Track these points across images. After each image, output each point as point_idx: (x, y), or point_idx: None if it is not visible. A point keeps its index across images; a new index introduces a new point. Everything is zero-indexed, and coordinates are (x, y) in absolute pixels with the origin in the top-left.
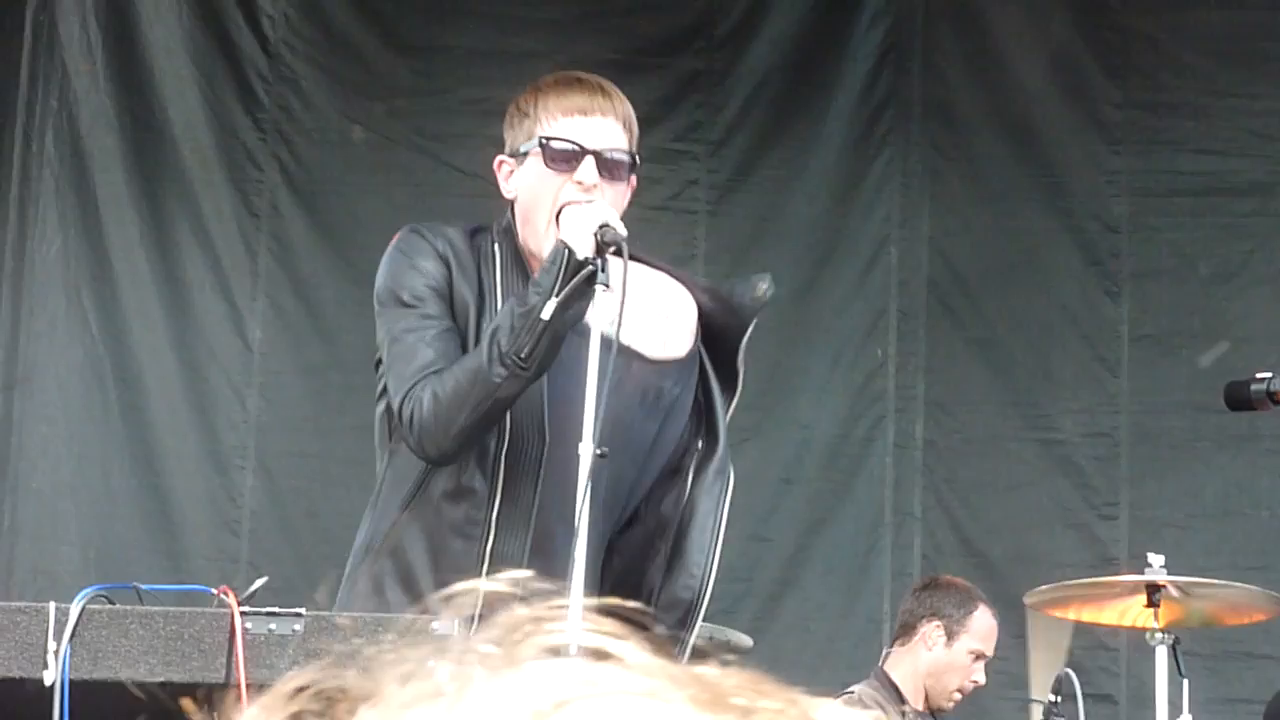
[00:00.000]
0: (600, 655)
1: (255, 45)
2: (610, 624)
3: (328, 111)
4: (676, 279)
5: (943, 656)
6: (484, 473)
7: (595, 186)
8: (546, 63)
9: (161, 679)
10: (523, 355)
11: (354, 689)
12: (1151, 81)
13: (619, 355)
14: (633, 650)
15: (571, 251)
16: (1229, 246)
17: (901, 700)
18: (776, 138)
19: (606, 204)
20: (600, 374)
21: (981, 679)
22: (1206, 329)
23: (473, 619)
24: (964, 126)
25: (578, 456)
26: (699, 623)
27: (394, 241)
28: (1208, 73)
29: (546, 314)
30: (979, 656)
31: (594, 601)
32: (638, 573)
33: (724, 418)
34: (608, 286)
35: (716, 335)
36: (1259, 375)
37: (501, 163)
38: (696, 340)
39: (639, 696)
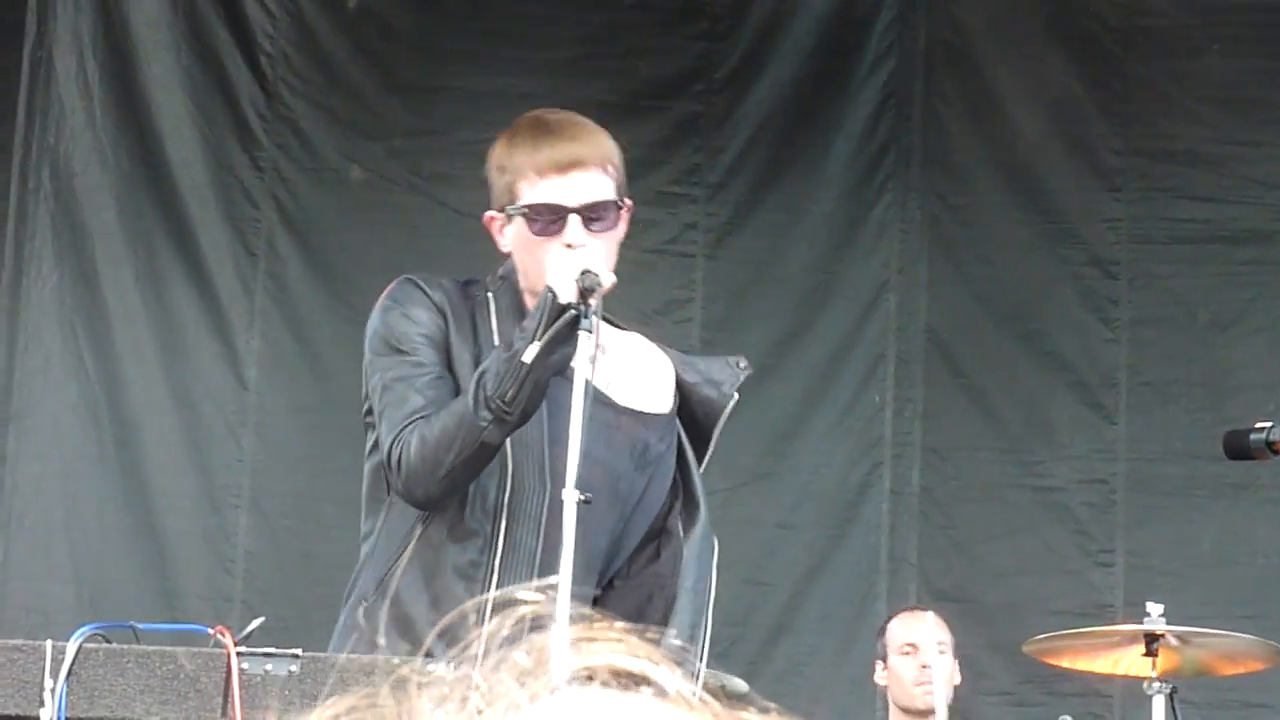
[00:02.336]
0: (639, 682)
1: (253, 83)
2: (652, 651)
3: (325, 151)
4: (651, 341)
5: (890, 679)
6: (487, 515)
7: (584, 246)
8: (543, 104)
9: (158, 718)
10: (506, 399)
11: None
12: (1153, 129)
13: (609, 408)
14: (674, 681)
15: (555, 297)
16: (1229, 294)
17: None
18: (775, 182)
19: (595, 251)
20: (581, 416)
21: (932, 661)
22: (1205, 377)
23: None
24: (964, 172)
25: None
26: (701, 667)
27: (387, 291)
28: (1209, 120)
29: (528, 358)
30: (909, 650)
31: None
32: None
33: (700, 484)
34: (591, 332)
35: (691, 405)
36: (1259, 425)
37: (492, 219)
38: (675, 402)
39: None
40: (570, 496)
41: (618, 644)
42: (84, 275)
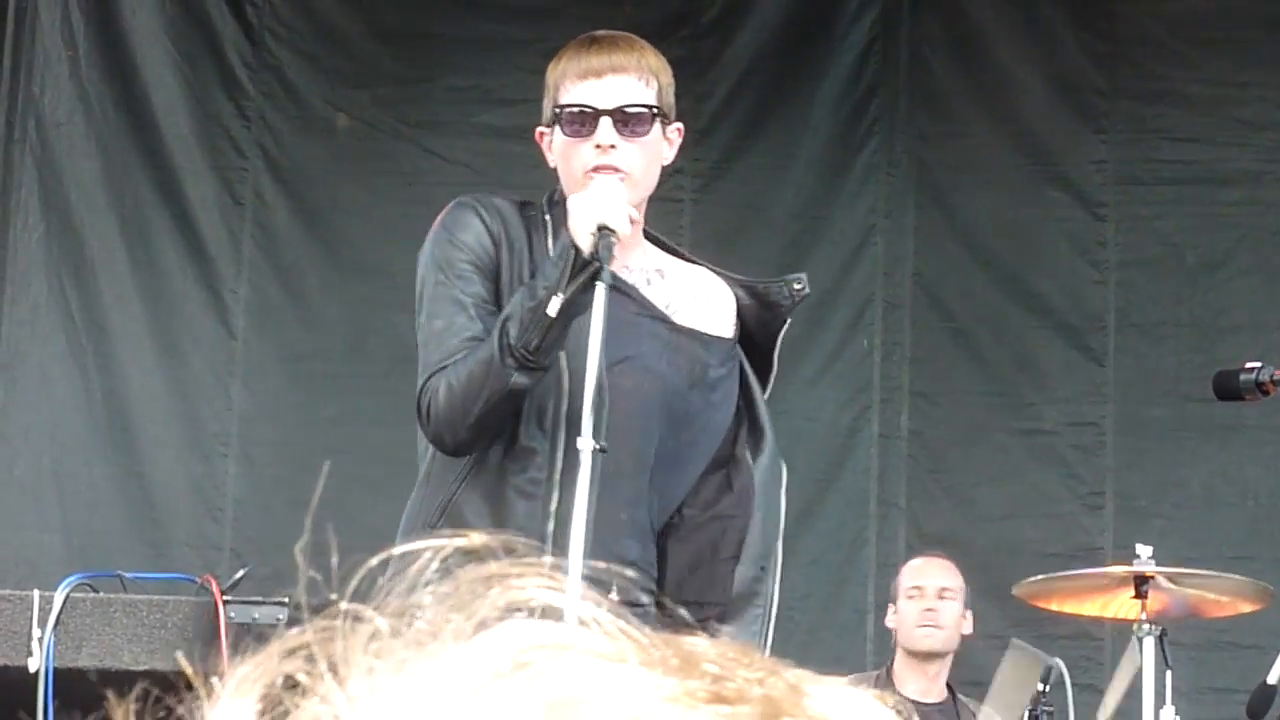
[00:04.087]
0: (567, 618)
1: (239, 32)
2: (583, 587)
3: (312, 99)
4: (715, 272)
5: (898, 621)
6: (544, 432)
7: (613, 147)
8: (530, 50)
9: (145, 667)
10: (531, 349)
11: (331, 654)
12: (1139, 70)
13: (667, 325)
14: (601, 614)
15: (578, 250)
16: (1216, 236)
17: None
18: (762, 126)
19: (615, 186)
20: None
21: (936, 605)
22: (1194, 318)
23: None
24: (950, 116)
25: (636, 410)
26: (773, 612)
27: (443, 214)
28: (1196, 61)
29: (553, 311)
30: (915, 593)
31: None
32: (707, 565)
33: (766, 411)
34: (607, 284)
35: (752, 331)
36: (1248, 365)
37: (541, 134)
38: (736, 331)
39: (602, 658)
40: (586, 445)
41: (540, 578)
42: (71, 226)
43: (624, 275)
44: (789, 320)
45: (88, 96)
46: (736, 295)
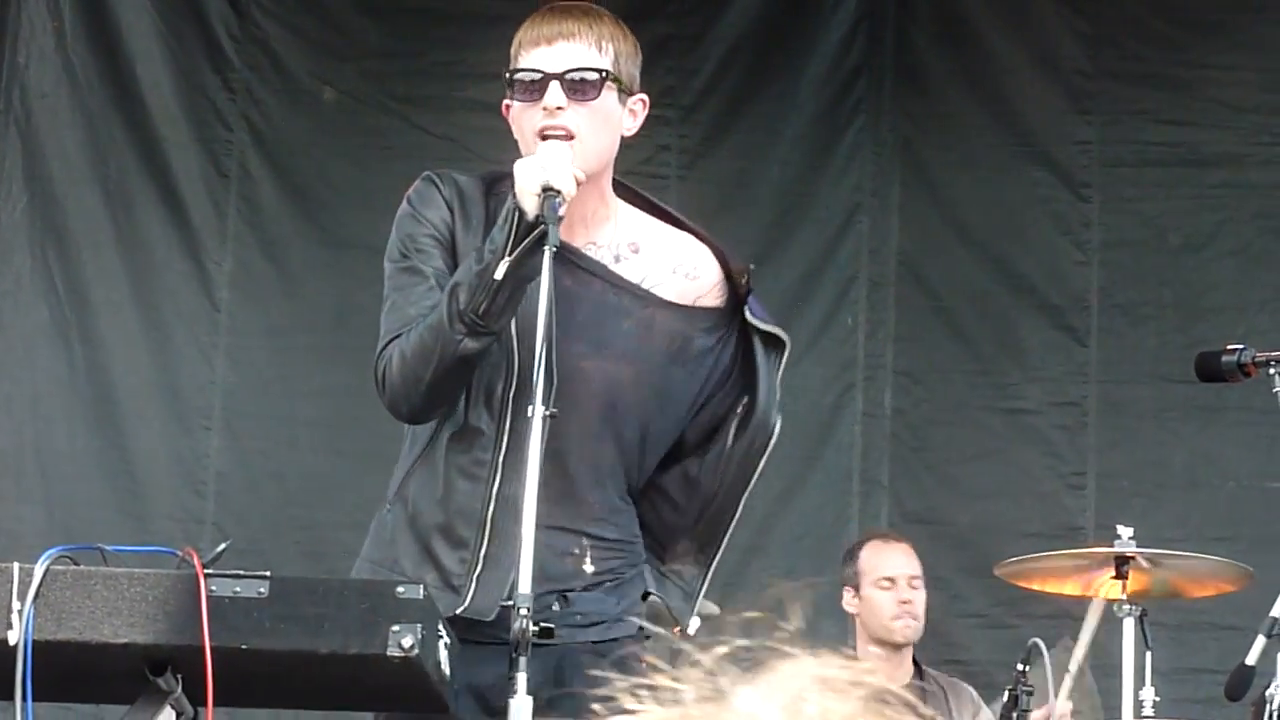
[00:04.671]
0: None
1: (225, 4)
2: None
3: (297, 72)
4: (702, 240)
5: (863, 609)
6: (491, 414)
7: (560, 109)
8: (517, 25)
9: (125, 640)
10: (479, 313)
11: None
12: (1124, 51)
13: (642, 299)
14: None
15: (523, 212)
16: (1199, 217)
17: None
18: (748, 104)
19: (560, 148)
20: (545, 330)
21: (910, 596)
22: (1176, 299)
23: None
24: (936, 95)
25: (586, 395)
26: (715, 563)
27: (410, 190)
28: (1181, 43)
29: (499, 274)
30: (887, 584)
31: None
32: (673, 536)
33: (770, 376)
34: (553, 247)
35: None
36: (1230, 346)
37: (507, 107)
38: (729, 299)
39: (869, 698)
40: (537, 411)
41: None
42: (55, 197)
43: (591, 253)
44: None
45: (73, 68)
46: (718, 263)
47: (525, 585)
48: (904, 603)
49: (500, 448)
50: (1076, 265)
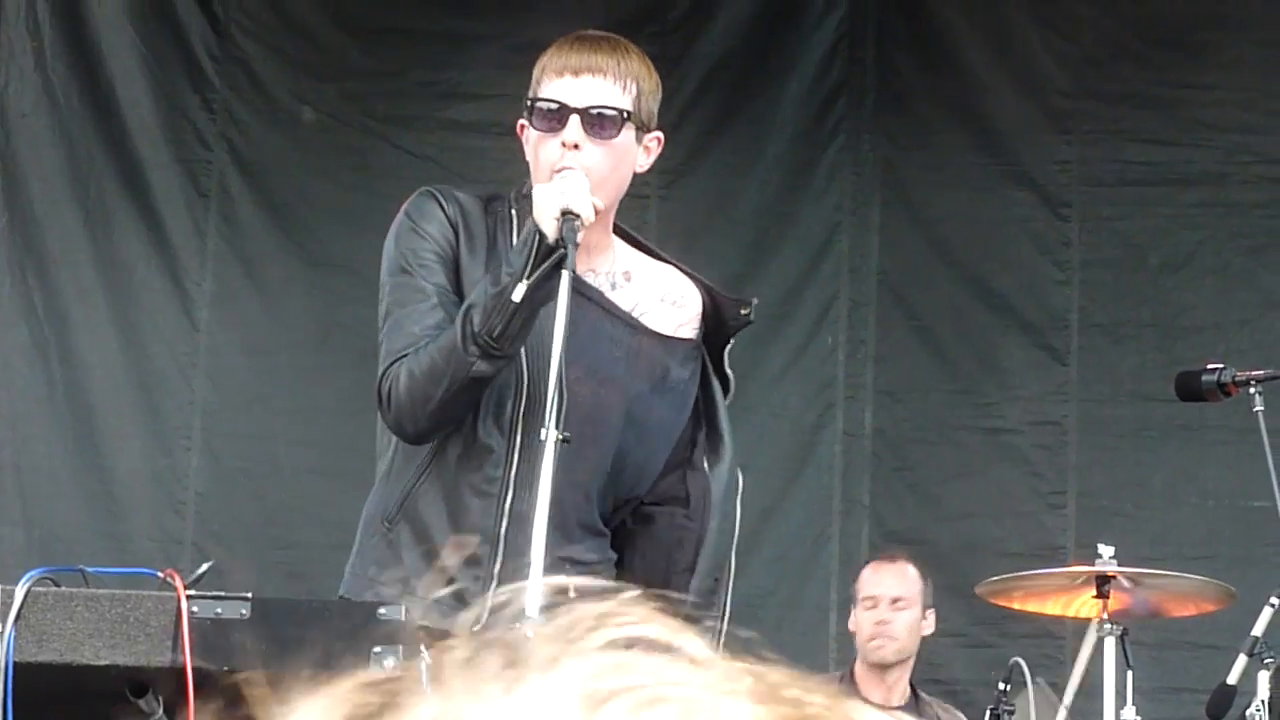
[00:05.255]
0: (656, 647)
1: (205, 24)
2: (669, 617)
3: (278, 92)
4: (684, 273)
5: (855, 629)
6: (501, 431)
7: (577, 147)
8: (498, 45)
9: (107, 662)
10: (494, 335)
11: (413, 682)
12: (1104, 71)
13: (632, 329)
14: (691, 642)
15: (543, 235)
16: (1179, 236)
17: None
18: (729, 123)
19: (579, 177)
20: (559, 353)
21: (889, 616)
22: (1156, 319)
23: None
24: (916, 115)
25: (592, 419)
26: (724, 627)
27: (406, 204)
28: (1160, 63)
29: (517, 297)
30: (870, 604)
31: (643, 593)
32: (662, 576)
33: (726, 418)
34: (570, 270)
35: (709, 336)
36: (1210, 366)
37: (522, 126)
38: (700, 332)
39: (696, 689)
40: (550, 435)
41: (647, 615)
42: (34, 216)
43: (589, 279)
44: (732, 340)
45: (52, 88)
46: (701, 297)
47: (534, 607)
48: (879, 623)
49: (511, 464)
50: (1056, 284)
